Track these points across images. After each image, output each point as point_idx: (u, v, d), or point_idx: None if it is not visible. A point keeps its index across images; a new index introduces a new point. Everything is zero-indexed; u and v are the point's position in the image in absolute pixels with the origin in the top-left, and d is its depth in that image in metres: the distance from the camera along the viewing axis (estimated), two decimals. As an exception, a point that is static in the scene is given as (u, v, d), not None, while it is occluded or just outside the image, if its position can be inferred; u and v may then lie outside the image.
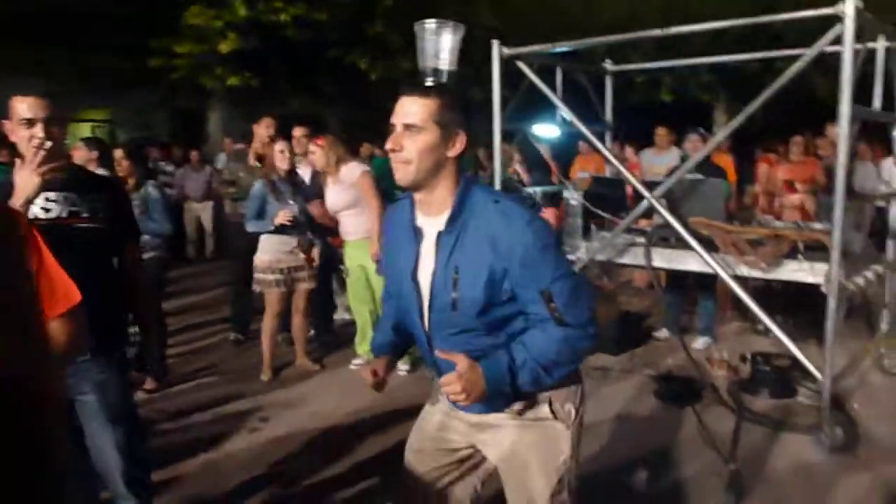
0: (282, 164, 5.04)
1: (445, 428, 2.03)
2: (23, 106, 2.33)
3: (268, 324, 5.17)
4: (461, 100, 1.83)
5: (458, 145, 1.79)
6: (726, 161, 7.61)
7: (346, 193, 5.00)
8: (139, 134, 13.44)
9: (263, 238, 5.05)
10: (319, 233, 5.25)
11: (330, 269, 5.98)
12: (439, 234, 1.79)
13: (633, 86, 16.81)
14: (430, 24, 1.92)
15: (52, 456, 0.82)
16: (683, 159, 6.10)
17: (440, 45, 1.92)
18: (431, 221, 1.83)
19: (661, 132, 7.64)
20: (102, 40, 10.14)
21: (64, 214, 2.39)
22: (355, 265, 5.13)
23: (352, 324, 6.22)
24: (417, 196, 1.84)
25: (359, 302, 5.25)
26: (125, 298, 2.63)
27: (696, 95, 17.44)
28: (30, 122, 2.34)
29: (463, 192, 1.79)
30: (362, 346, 5.36)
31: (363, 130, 14.37)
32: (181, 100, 13.35)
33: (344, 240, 5.21)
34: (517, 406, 1.88)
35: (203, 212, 10.19)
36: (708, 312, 5.75)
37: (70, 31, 9.85)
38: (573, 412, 1.92)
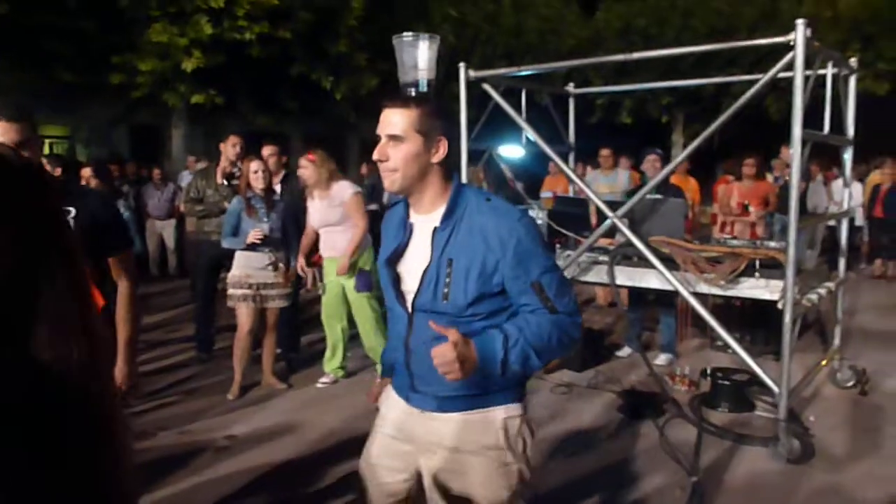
0: (257, 183, 5.04)
1: (394, 454, 2.01)
2: None
3: (240, 342, 5.12)
4: (442, 108, 1.91)
5: (442, 150, 1.88)
6: (692, 183, 7.83)
7: (333, 210, 5.03)
8: (98, 151, 13.23)
9: (238, 254, 5.05)
10: (293, 251, 5.24)
11: (299, 287, 5.97)
12: (434, 230, 1.88)
13: (593, 107, 17.18)
14: (408, 36, 2.01)
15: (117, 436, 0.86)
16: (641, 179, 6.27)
17: (418, 55, 2.00)
18: (423, 218, 1.93)
19: (604, 153, 7.92)
20: (61, 55, 9.99)
21: None
22: (333, 282, 5.14)
23: (319, 342, 6.23)
24: (409, 199, 1.95)
25: (331, 318, 5.25)
26: (109, 317, 2.56)
27: (655, 116, 17.87)
28: None
29: (456, 191, 1.89)
30: (331, 363, 5.36)
31: (327, 147, 14.40)
32: (142, 116, 13.19)
33: (324, 256, 5.22)
34: (471, 413, 1.89)
35: (165, 230, 10.08)
36: (669, 329, 5.89)
37: (27, 45, 9.70)
38: (523, 446, 1.94)
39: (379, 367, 5.07)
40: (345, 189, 5.07)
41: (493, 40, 16.90)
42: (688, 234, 5.22)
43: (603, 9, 18.03)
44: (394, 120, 1.84)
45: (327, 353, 5.40)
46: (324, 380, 5.38)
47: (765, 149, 10.65)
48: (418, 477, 2.01)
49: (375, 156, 1.86)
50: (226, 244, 5.05)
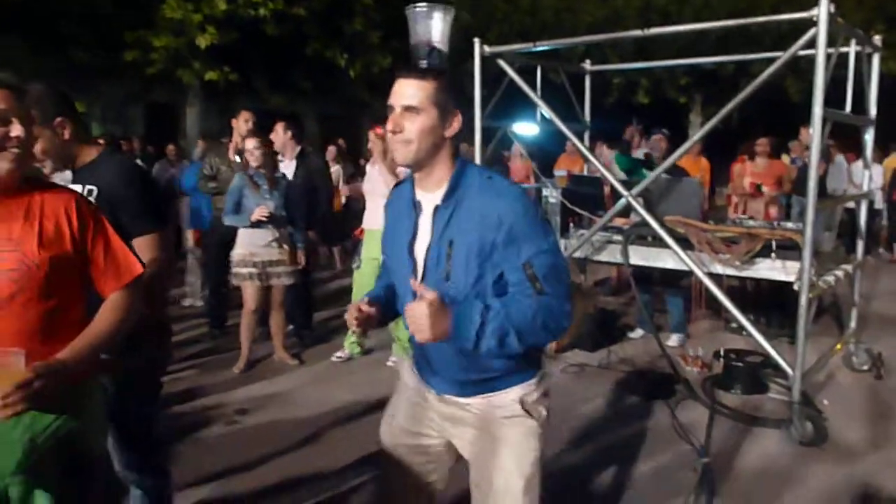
0: (253, 161, 5.01)
1: (419, 421, 2.04)
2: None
3: (246, 319, 5.17)
4: (456, 81, 1.87)
5: (455, 125, 1.84)
6: (703, 163, 7.73)
7: (387, 179, 4.99)
8: (113, 128, 13.27)
9: (241, 232, 5.04)
10: (299, 230, 5.23)
11: (312, 263, 5.97)
12: (436, 208, 1.84)
13: (610, 87, 16.99)
14: (422, 6, 1.96)
15: None
16: (647, 157, 6.20)
17: (431, 26, 1.95)
18: (429, 196, 1.88)
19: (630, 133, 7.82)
20: (75, 33, 10.00)
21: None
22: (370, 257, 5.12)
23: (332, 318, 6.25)
24: (416, 174, 1.90)
25: (362, 291, 5.22)
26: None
27: (673, 97, 17.66)
28: None
29: (459, 170, 1.85)
30: (350, 338, 5.39)
31: (340, 125, 14.38)
32: (156, 94, 13.21)
33: (366, 228, 5.22)
34: (489, 396, 1.90)
35: (180, 206, 10.08)
36: (677, 309, 5.84)
37: (41, 24, 9.71)
38: (544, 412, 1.95)
39: (395, 347, 5.14)
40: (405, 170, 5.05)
41: (509, 18, 16.72)
42: (704, 214, 5.15)
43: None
44: (410, 91, 1.79)
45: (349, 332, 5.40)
46: (339, 354, 5.41)
47: (785, 130, 10.51)
48: (445, 442, 2.04)
49: (389, 126, 1.81)
50: (228, 221, 5.02)
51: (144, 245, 2.32)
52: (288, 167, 5.81)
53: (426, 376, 2.01)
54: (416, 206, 1.91)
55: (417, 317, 1.68)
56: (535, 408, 1.93)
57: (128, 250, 1.89)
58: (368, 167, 5.47)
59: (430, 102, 1.79)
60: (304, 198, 5.67)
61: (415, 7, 1.95)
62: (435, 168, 1.86)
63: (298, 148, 5.88)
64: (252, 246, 5.01)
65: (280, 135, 5.79)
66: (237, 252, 5.06)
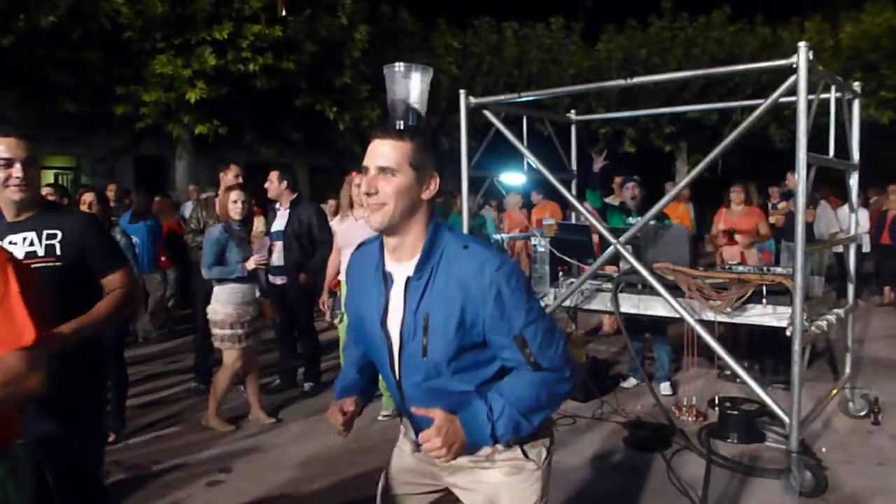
0: (234, 214, 4.89)
1: (416, 472, 1.99)
2: (1, 147, 2.31)
3: (224, 383, 4.94)
4: (432, 143, 1.84)
5: (433, 187, 1.79)
6: (680, 209, 7.75)
7: (365, 231, 4.93)
8: (103, 181, 13.28)
9: (224, 289, 4.83)
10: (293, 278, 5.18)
11: (295, 316, 5.91)
12: (408, 280, 1.76)
13: (596, 137, 17.23)
14: (400, 66, 1.94)
15: None
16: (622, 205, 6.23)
17: (410, 87, 1.93)
18: (401, 267, 1.80)
19: (618, 181, 7.84)
20: (65, 87, 10.06)
21: (21, 256, 2.30)
22: None
23: (324, 371, 6.14)
24: (389, 241, 1.81)
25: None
26: (97, 344, 2.50)
27: (658, 146, 17.91)
28: (7, 163, 2.32)
29: (432, 237, 1.77)
30: None
31: (330, 177, 14.43)
32: (146, 147, 13.26)
33: (342, 280, 5.14)
34: (487, 450, 1.84)
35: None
36: (666, 356, 5.77)
37: (33, 76, 9.77)
38: (543, 453, 1.90)
39: (385, 400, 5.05)
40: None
41: (495, 71, 17.03)
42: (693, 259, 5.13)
43: (604, 39, 18.16)
44: (385, 151, 1.73)
45: None
46: None
47: (771, 177, 10.62)
48: (444, 490, 1.99)
49: (364, 188, 1.75)
50: (213, 274, 4.81)
51: (117, 280, 2.54)
52: (282, 216, 5.79)
53: (418, 442, 1.92)
54: (385, 278, 1.82)
55: (434, 444, 1.67)
56: (533, 450, 1.87)
57: (28, 318, 1.62)
58: (337, 222, 5.35)
59: (407, 163, 1.73)
60: (300, 245, 5.65)
61: (392, 67, 1.93)
62: (409, 233, 1.77)
63: (293, 196, 5.86)
64: (241, 305, 4.84)
65: (275, 184, 5.79)
66: (225, 311, 4.82)
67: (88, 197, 4.78)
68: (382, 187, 1.73)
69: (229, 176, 5.75)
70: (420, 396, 1.78)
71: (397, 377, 1.84)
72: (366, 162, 1.77)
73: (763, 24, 18.06)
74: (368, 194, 1.74)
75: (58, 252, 2.37)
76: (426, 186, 1.78)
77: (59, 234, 2.39)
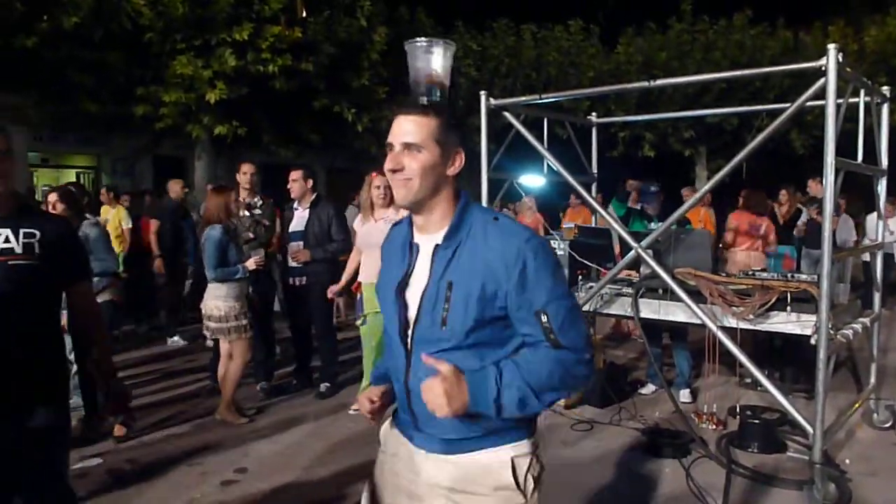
0: (235, 212, 5.09)
1: (395, 490, 1.90)
2: None
3: (236, 374, 5.03)
4: (457, 119, 1.80)
5: (458, 163, 1.76)
6: (701, 214, 7.66)
7: (384, 232, 4.94)
8: (122, 181, 13.39)
9: (222, 285, 4.91)
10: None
11: (314, 317, 5.91)
12: (436, 248, 1.74)
13: (615, 141, 17.12)
14: (421, 41, 1.90)
15: None
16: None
17: (432, 62, 1.89)
18: (428, 238, 1.78)
19: (632, 185, 7.71)
20: (88, 87, 10.14)
21: None
22: (373, 311, 5.06)
23: (339, 373, 6.12)
24: (416, 217, 1.79)
25: (371, 349, 5.16)
26: (61, 344, 2.47)
27: (678, 150, 17.76)
28: None
29: (462, 209, 1.75)
30: (363, 389, 5.27)
31: (347, 178, 14.45)
32: (165, 147, 13.34)
33: (364, 282, 5.14)
34: (479, 454, 1.75)
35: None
36: (686, 363, 5.69)
37: (54, 78, 9.86)
38: (533, 483, 1.78)
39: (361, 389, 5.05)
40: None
41: (513, 73, 16.97)
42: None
43: (623, 42, 18.04)
44: (410, 128, 1.70)
45: (363, 382, 5.33)
46: (355, 407, 5.29)
47: (791, 183, 10.46)
48: None
49: (389, 165, 1.72)
50: (219, 276, 4.89)
51: (86, 290, 2.57)
52: (301, 216, 5.78)
53: (409, 432, 1.85)
54: (412, 248, 1.80)
55: (435, 393, 1.59)
56: (528, 479, 1.76)
57: None
58: (359, 221, 5.37)
59: (432, 139, 1.70)
60: (320, 246, 5.65)
61: (414, 42, 1.89)
62: (436, 208, 1.75)
63: (313, 196, 5.85)
64: (237, 298, 4.94)
65: (301, 182, 5.76)
66: (224, 306, 4.91)
67: (52, 197, 4.81)
68: (408, 163, 1.70)
69: (241, 175, 5.78)
70: (430, 371, 1.67)
71: (409, 348, 1.77)
72: (390, 138, 1.74)
73: (785, 27, 17.86)
74: (394, 171, 1.71)
75: (36, 251, 2.31)
76: (451, 162, 1.75)
77: (38, 234, 2.33)
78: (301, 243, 5.73)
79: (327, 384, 5.86)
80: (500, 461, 1.75)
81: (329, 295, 5.55)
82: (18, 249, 2.28)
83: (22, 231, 2.31)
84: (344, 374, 6.20)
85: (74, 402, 2.78)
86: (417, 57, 1.89)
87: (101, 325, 2.63)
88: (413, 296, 1.77)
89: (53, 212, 4.54)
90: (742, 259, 6.45)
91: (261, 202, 5.86)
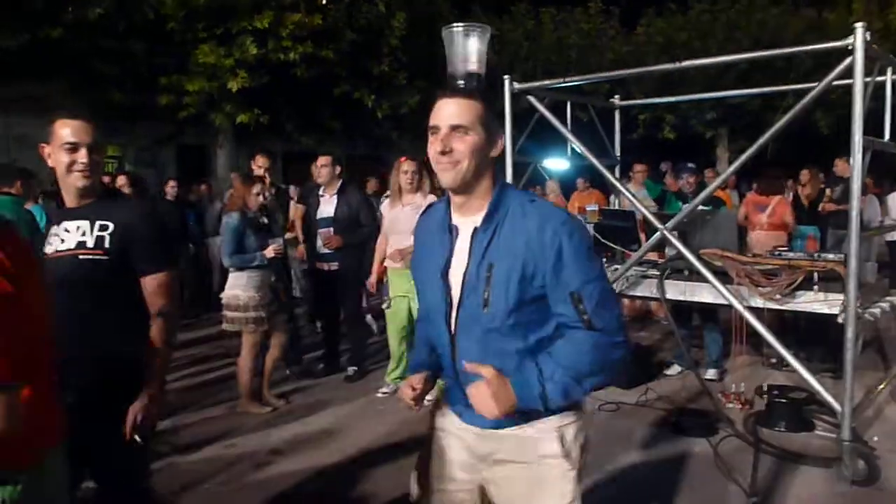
0: (253, 205, 5.05)
1: (454, 465, 1.96)
2: (67, 130, 2.25)
3: (251, 363, 5.05)
4: (495, 104, 1.85)
5: (500, 145, 1.82)
6: (726, 197, 7.62)
7: (414, 217, 5.02)
8: (145, 170, 13.54)
9: (243, 274, 4.92)
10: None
11: (343, 301, 6.00)
12: (475, 231, 1.78)
13: (636, 123, 17.00)
14: (458, 27, 1.93)
15: None
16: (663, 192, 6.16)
17: (469, 48, 1.93)
18: (467, 220, 1.82)
19: (638, 168, 7.70)
20: (112, 76, 10.26)
21: (72, 246, 2.27)
22: (398, 294, 5.13)
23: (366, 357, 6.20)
24: (457, 199, 1.83)
25: (396, 333, 5.27)
26: (138, 338, 2.34)
27: (699, 131, 17.59)
28: (73, 147, 2.25)
29: (500, 192, 1.80)
30: (392, 374, 5.40)
31: (368, 165, 14.51)
32: (188, 136, 13.46)
33: (389, 267, 5.22)
34: (527, 426, 1.82)
35: (213, 246, 10.18)
36: (715, 343, 5.71)
37: (77, 67, 9.98)
38: (580, 451, 1.86)
39: (389, 372, 5.17)
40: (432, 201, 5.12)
41: (533, 57, 16.89)
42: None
43: (643, 23, 17.86)
44: (458, 110, 1.74)
45: (390, 365, 5.44)
46: (384, 389, 5.39)
47: (816, 163, 10.35)
48: (479, 489, 1.95)
49: (438, 147, 1.74)
50: (236, 263, 4.91)
51: (156, 284, 2.37)
52: (328, 202, 5.84)
53: (461, 410, 1.91)
54: (451, 230, 1.84)
55: (483, 397, 1.67)
56: (573, 446, 1.84)
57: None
58: (387, 206, 5.45)
59: (479, 122, 1.75)
60: (349, 231, 5.72)
61: (451, 28, 1.92)
62: (477, 190, 1.79)
63: (339, 183, 5.91)
64: (258, 289, 4.93)
65: (329, 169, 5.82)
66: (244, 295, 4.91)
67: (121, 180, 4.91)
68: (457, 145, 1.74)
69: (255, 167, 5.86)
70: (474, 353, 1.76)
71: (452, 332, 1.82)
72: (435, 121, 1.77)
73: (807, 5, 17.57)
74: (443, 153, 1.74)
75: (106, 245, 2.28)
76: (494, 145, 1.80)
77: (111, 226, 2.31)
78: (331, 229, 5.80)
79: (355, 368, 5.95)
80: (547, 431, 1.82)
81: (371, 290, 5.65)
82: (90, 243, 2.28)
83: (98, 223, 2.30)
84: (371, 358, 6.28)
85: None
86: (453, 43, 1.92)
87: (164, 325, 2.39)
88: (455, 278, 1.82)
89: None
90: (758, 239, 6.45)
91: (274, 190, 5.95)
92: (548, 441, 1.82)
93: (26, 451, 1.53)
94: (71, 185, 2.33)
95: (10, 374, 1.38)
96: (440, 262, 1.83)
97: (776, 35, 16.26)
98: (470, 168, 1.75)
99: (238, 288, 4.94)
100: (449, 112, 1.75)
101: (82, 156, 2.27)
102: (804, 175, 8.73)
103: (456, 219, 1.85)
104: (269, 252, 4.96)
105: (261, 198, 5.04)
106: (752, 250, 6.08)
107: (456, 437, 1.94)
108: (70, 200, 2.37)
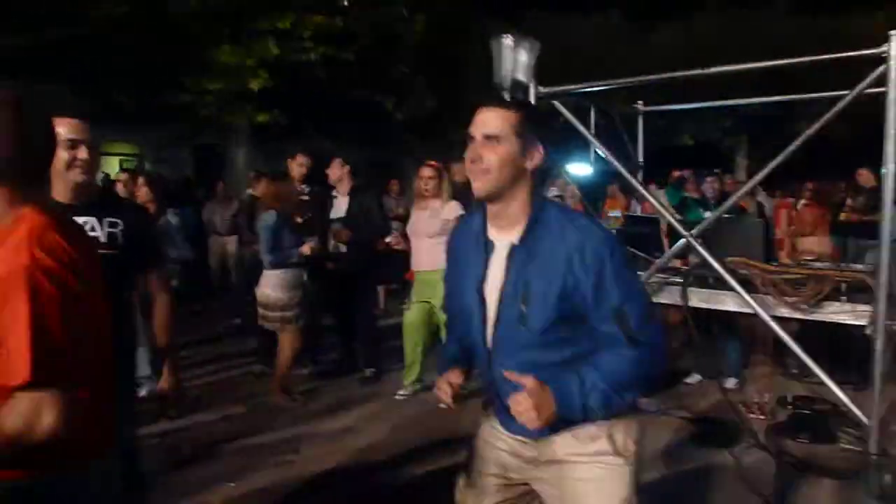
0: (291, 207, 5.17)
1: (500, 465, 1.96)
2: (66, 128, 2.29)
3: (287, 362, 5.13)
4: (540, 115, 1.84)
5: (537, 158, 1.79)
6: (745, 204, 7.59)
7: (436, 221, 5.09)
8: (162, 169, 13.63)
9: (276, 273, 4.97)
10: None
11: (355, 301, 6.00)
12: (512, 247, 1.77)
13: (654, 129, 16.95)
14: (508, 39, 1.95)
15: None
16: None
17: (517, 60, 1.94)
18: (503, 235, 1.82)
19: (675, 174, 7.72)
20: (131, 75, 10.33)
21: None
22: (420, 300, 5.12)
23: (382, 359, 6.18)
24: (492, 209, 1.83)
25: (414, 336, 5.29)
26: (134, 332, 2.62)
27: (717, 138, 17.52)
28: (73, 144, 2.30)
29: (539, 207, 1.79)
30: (409, 377, 5.39)
31: (385, 168, 14.54)
32: (205, 136, 13.54)
33: (416, 270, 5.22)
34: (575, 430, 1.81)
35: (228, 245, 10.22)
36: (735, 352, 5.67)
37: (98, 66, 10.04)
38: (632, 448, 1.86)
39: (406, 374, 5.14)
40: (455, 209, 5.13)
41: (550, 60, 16.86)
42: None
43: (662, 30, 17.80)
44: (491, 120, 1.75)
45: (407, 368, 5.42)
46: (402, 392, 5.38)
47: (833, 173, 10.28)
48: (527, 487, 1.96)
49: (469, 155, 1.76)
50: (272, 259, 4.96)
51: (161, 279, 2.62)
52: (341, 203, 5.85)
53: (503, 418, 1.91)
54: (487, 245, 1.83)
55: (524, 408, 1.66)
56: (624, 443, 1.84)
57: (27, 355, 1.33)
58: (414, 209, 5.48)
59: (512, 132, 1.74)
60: (361, 231, 5.72)
61: (501, 39, 1.93)
62: (512, 202, 1.78)
63: (352, 184, 5.92)
64: (289, 289, 4.98)
65: (338, 169, 5.85)
66: (274, 295, 4.98)
67: (140, 180, 5.02)
68: (487, 155, 1.74)
69: (294, 166, 5.85)
70: (511, 368, 1.76)
71: (490, 346, 1.83)
72: (472, 130, 1.78)
73: (828, 15, 17.45)
74: (473, 161, 1.76)
75: (119, 241, 2.37)
76: (530, 156, 1.78)
77: (121, 223, 2.40)
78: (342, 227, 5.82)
79: (372, 369, 5.93)
80: (597, 432, 1.83)
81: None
82: (103, 239, 2.34)
83: (107, 220, 2.37)
84: (388, 360, 6.27)
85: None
86: (502, 54, 1.93)
87: (168, 314, 2.65)
88: (491, 294, 1.82)
89: (138, 195, 4.71)
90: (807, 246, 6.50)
91: (308, 189, 5.94)
92: (599, 441, 1.83)
93: (74, 457, 1.51)
94: (70, 181, 2.36)
95: (70, 376, 1.38)
96: (476, 277, 1.84)
97: (793, 44, 16.16)
98: (500, 178, 1.75)
99: (268, 287, 5.00)
100: (483, 121, 1.76)
101: (82, 152, 2.33)
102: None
103: (492, 233, 1.85)
104: (306, 249, 5.03)
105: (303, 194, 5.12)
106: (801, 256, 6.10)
107: (502, 440, 1.95)
108: (67, 197, 2.39)
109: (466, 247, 1.91)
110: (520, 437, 1.89)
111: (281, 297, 4.97)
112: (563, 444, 1.83)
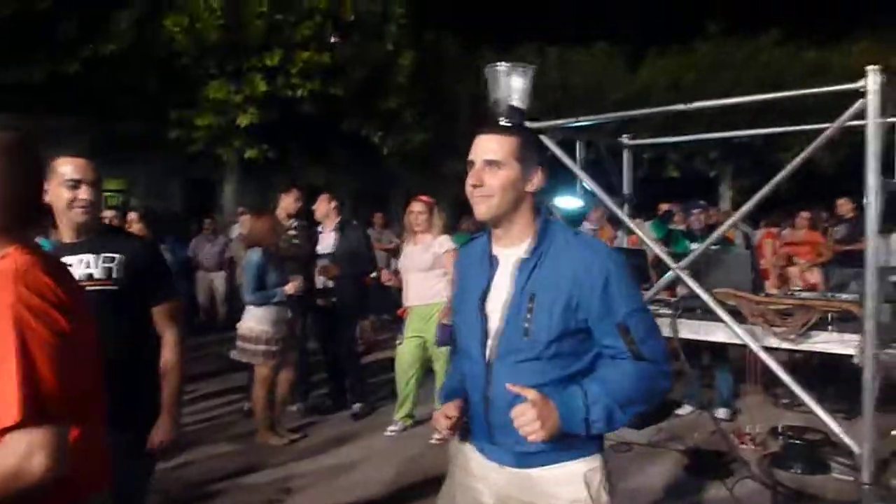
0: (276, 238, 5.17)
1: (475, 496, 1.92)
2: (69, 167, 2.30)
3: (263, 396, 5.04)
4: (538, 139, 1.88)
5: (537, 181, 1.84)
6: (730, 235, 7.67)
7: (427, 255, 5.11)
8: (153, 203, 13.61)
9: (261, 308, 4.93)
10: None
11: (356, 335, 5.99)
12: (520, 260, 1.80)
13: (640, 161, 17.13)
14: (502, 66, 2.00)
15: None
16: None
17: (511, 85, 1.99)
18: (508, 251, 1.85)
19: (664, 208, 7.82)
20: (126, 111, 10.40)
21: (78, 279, 2.22)
22: (413, 334, 5.12)
23: (370, 394, 6.14)
24: (496, 231, 1.87)
25: (407, 370, 5.24)
26: (151, 369, 2.41)
27: (702, 170, 17.71)
28: (75, 184, 2.30)
29: (544, 224, 1.83)
30: (400, 412, 5.35)
31: (374, 200, 14.61)
32: (195, 170, 13.58)
33: (408, 306, 5.21)
34: (552, 468, 1.79)
35: (216, 280, 10.20)
36: (726, 383, 5.67)
37: (95, 102, 10.11)
38: (605, 499, 1.83)
39: (398, 409, 5.09)
40: (445, 242, 5.16)
41: (540, 95, 17.06)
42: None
43: (647, 64, 18.10)
44: (492, 146, 1.80)
45: (398, 403, 5.39)
46: (392, 428, 5.33)
47: (817, 202, 10.41)
48: None
49: (471, 181, 1.80)
50: (256, 299, 4.92)
51: (168, 312, 2.49)
52: (327, 238, 5.86)
53: (483, 445, 1.89)
54: (492, 261, 1.87)
55: (528, 418, 1.65)
56: (600, 492, 1.81)
57: (17, 393, 1.30)
58: (405, 245, 5.50)
59: (513, 157, 1.79)
60: (346, 268, 5.72)
61: (495, 66, 1.99)
62: (516, 223, 1.83)
63: (339, 219, 5.94)
64: (272, 323, 4.94)
65: (325, 205, 5.88)
66: (257, 328, 4.93)
67: (132, 215, 5.04)
68: (488, 180, 1.79)
69: (291, 200, 5.85)
70: (514, 380, 1.74)
71: (488, 360, 1.81)
72: (472, 156, 1.82)
73: (811, 47, 17.81)
74: (475, 186, 1.79)
75: (114, 275, 2.33)
76: (530, 179, 1.82)
77: (119, 257, 2.36)
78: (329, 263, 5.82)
79: (360, 404, 5.89)
80: (573, 475, 1.80)
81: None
82: (98, 274, 2.31)
83: (103, 255, 2.34)
84: (377, 395, 6.23)
85: None
86: (497, 81, 1.98)
87: (172, 355, 2.48)
88: (493, 307, 1.83)
89: (131, 231, 4.69)
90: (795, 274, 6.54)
91: (296, 223, 5.95)
92: (575, 485, 1.80)
93: (70, 495, 1.49)
94: (72, 221, 2.37)
95: (62, 414, 1.36)
96: (479, 291, 1.86)
97: (780, 77, 16.47)
98: (502, 202, 1.79)
99: (252, 320, 4.95)
100: (483, 147, 1.81)
101: (83, 192, 2.33)
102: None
103: (496, 249, 1.88)
104: (290, 289, 4.99)
105: (291, 231, 5.11)
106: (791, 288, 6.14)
107: (477, 477, 1.92)
108: (69, 236, 2.40)
109: (471, 265, 1.94)
110: (496, 466, 1.86)
111: (266, 330, 4.92)
112: (540, 481, 1.81)
